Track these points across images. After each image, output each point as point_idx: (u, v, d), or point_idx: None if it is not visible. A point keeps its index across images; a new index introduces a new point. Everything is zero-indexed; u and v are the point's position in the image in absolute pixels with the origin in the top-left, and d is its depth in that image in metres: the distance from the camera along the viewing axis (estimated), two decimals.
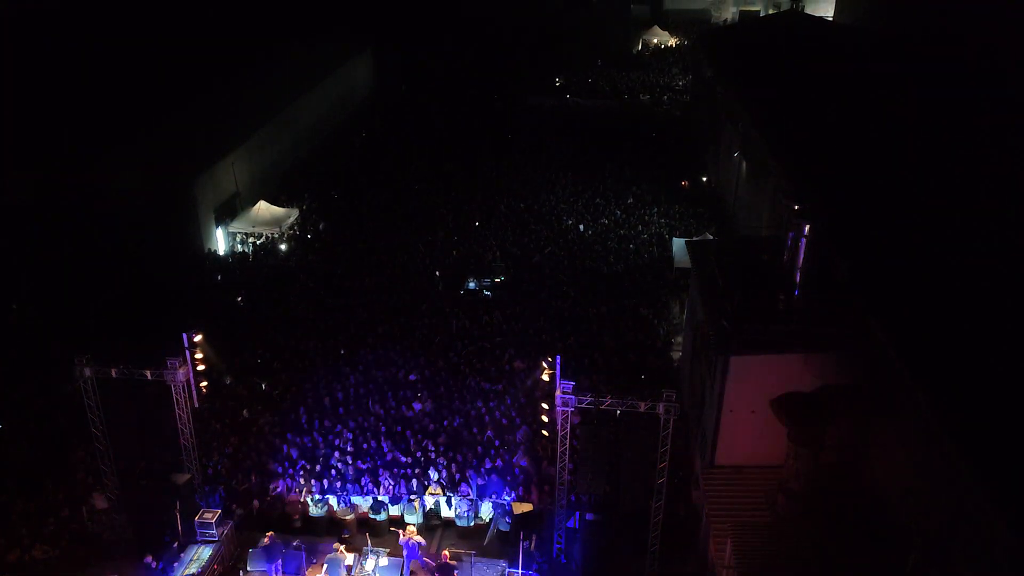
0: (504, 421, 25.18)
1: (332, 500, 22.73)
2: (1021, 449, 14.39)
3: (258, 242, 38.23)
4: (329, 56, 56.92)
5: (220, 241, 38.34)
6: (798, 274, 19.58)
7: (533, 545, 20.90)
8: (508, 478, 22.79)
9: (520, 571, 20.32)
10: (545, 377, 21.83)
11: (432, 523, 22.83)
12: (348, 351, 28.92)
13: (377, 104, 59.77)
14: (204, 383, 21.72)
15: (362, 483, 22.88)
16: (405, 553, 20.73)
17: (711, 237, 36.08)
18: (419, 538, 20.88)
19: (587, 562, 20.83)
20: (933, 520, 15.42)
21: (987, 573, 13.68)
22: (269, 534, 20.93)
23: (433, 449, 24.01)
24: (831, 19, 66.48)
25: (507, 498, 22.30)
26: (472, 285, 33.48)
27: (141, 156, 37.75)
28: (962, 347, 17.12)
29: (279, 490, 22.97)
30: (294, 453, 24.00)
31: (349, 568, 20.47)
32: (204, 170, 37.99)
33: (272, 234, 38.21)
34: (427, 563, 20.74)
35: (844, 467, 19.98)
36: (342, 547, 20.78)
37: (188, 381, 20.86)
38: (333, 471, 23.30)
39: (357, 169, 46.61)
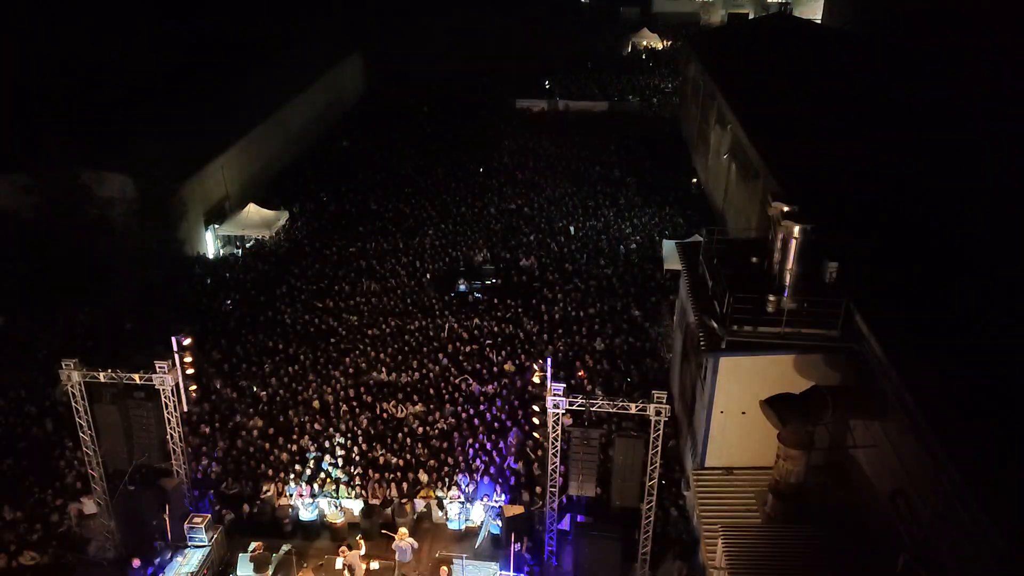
0: (495, 424, 25.18)
1: (323, 504, 22.65)
2: (1009, 449, 14.48)
3: (248, 245, 38.11)
4: (318, 59, 56.82)
5: (209, 244, 38.20)
6: (787, 275, 19.64)
7: (524, 548, 20.88)
8: (499, 481, 22.78)
9: (511, 574, 20.29)
10: (536, 379, 21.85)
11: (423, 527, 22.78)
12: (338, 354, 28.85)
13: (367, 106, 59.67)
14: (193, 387, 21.61)
15: (352, 487, 22.82)
16: (396, 557, 20.69)
17: (701, 239, 36.11)
18: (411, 540, 20.83)
19: (578, 564, 20.81)
20: (922, 520, 15.48)
21: (975, 573, 13.74)
22: (257, 544, 20.87)
23: (424, 452, 24.01)
24: (819, 22, 66.90)
25: (498, 501, 22.28)
26: (463, 287, 33.47)
27: (130, 159, 37.54)
28: (949, 348, 17.21)
29: (269, 494, 22.88)
30: (284, 457, 23.93)
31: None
32: (193, 173, 37.85)
33: (262, 237, 38.10)
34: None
35: (834, 468, 20.07)
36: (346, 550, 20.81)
37: (177, 385, 20.75)
38: (324, 475, 23.25)
39: (346, 171, 46.53)
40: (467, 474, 23.03)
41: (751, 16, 79.92)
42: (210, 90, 47.81)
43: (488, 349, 28.94)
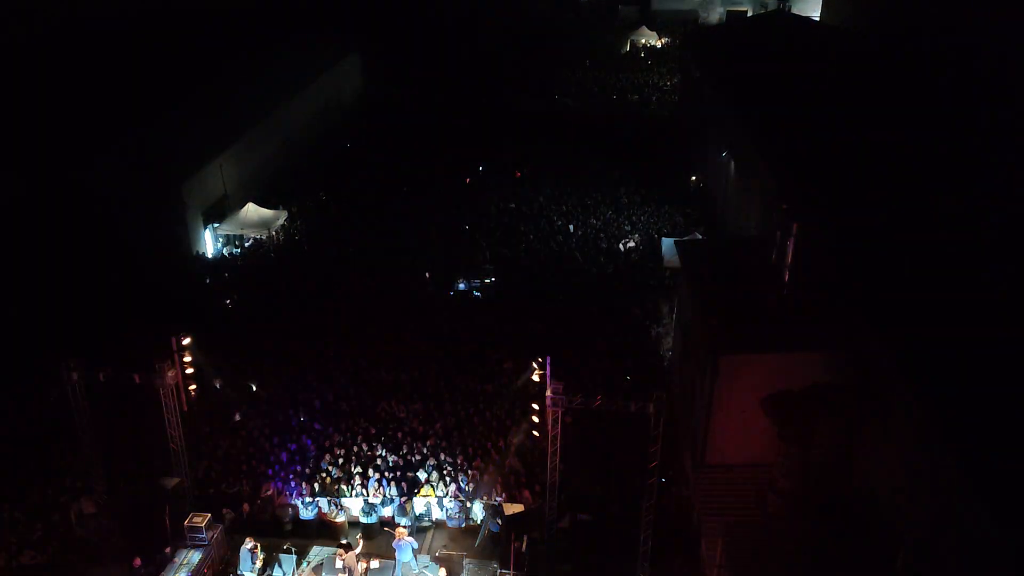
0: (495, 422, 25.17)
1: (322, 503, 22.66)
2: (1009, 447, 14.50)
3: (247, 244, 38.08)
4: (317, 58, 56.75)
5: (208, 243, 38.18)
6: (787, 273, 19.66)
7: (524, 546, 20.87)
8: (499, 479, 22.77)
9: (511, 572, 20.29)
10: (535, 378, 21.83)
11: (423, 524, 22.79)
12: (338, 353, 28.84)
13: (365, 106, 59.61)
14: (193, 386, 21.61)
15: (352, 486, 22.83)
16: (397, 555, 20.70)
17: (700, 237, 36.19)
18: (410, 539, 20.84)
19: (578, 562, 20.82)
20: (922, 517, 15.50)
21: (975, 570, 13.76)
22: (250, 539, 20.90)
23: (423, 451, 24.01)
24: (818, 19, 66.81)
25: (498, 499, 22.28)
26: (462, 286, 33.46)
27: (129, 157, 37.56)
28: (951, 346, 17.21)
29: (269, 493, 22.89)
30: (284, 456, 23.94)
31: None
32: (193, 172, 37.83)
33: (261, 236, 38.08)
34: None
35: (834, 466, 20.09)
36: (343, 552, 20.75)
37: (177, 384, 20.74)
38: (323, 474, 23.25)
39: (346, 171, 46.49)
40: (467, 473, 23.03)
41: (749, 14, 79.76)
42: (209, 89, 47.77)
43: (488, 348, 28.93)
